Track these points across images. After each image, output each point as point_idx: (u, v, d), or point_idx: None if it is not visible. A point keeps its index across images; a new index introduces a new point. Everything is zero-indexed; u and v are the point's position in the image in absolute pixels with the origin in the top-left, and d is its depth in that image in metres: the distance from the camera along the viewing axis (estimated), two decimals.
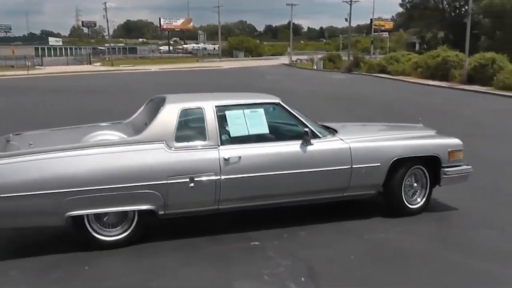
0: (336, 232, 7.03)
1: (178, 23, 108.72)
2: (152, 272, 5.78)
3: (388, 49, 74.29)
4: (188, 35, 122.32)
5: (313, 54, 72.68)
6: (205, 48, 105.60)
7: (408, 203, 7.54)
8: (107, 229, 6.27)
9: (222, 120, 6.60)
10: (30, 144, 6.53)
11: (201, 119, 6.52)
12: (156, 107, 6.94)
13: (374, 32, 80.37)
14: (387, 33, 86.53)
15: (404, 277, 5.80)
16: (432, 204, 8.15)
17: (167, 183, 6.15)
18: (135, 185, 6.04)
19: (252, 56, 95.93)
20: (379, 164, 7.11)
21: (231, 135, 6.60)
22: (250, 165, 6.50)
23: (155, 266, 5.91)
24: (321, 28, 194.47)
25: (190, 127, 6.62)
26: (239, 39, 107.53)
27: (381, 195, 7.65)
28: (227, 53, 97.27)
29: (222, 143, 6.48)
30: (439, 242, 6.84)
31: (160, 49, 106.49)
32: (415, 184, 7.62)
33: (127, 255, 6.20)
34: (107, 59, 74.69)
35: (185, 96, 7.90)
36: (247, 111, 6.77)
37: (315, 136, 6.91)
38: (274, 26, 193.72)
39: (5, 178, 5.71)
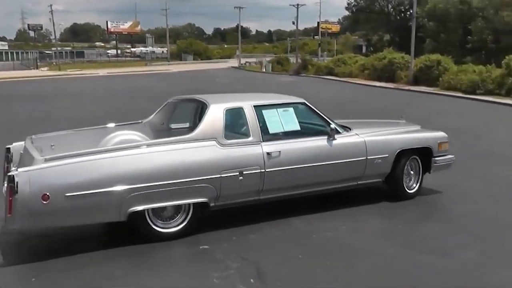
0: (285, 232, 7.08)
1: (125, 26, 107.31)
2: (98, 280, 5.68)
3: (336, 51, 75.25)
4: (136, 38, 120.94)
5: (262, 57, 73.02)
6: (153, 52, 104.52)
7: (407, 189, 8.55)
8: (165, 222, 6.62)
9: (260, 118, 7.21)
10: (52, 145, 6.68)
11: (243, 118, 7.14)
12: (174, 108, 8.26)
13: (321, 35, 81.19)
14: (334, 35, 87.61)
15: (351, 274, 5.88)
16: (379, 201, 8.44)
17: (220, 177, 6.65)
18: (192, 180, 6.49)
19: (201, 59, 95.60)
20: (387, 155, 8.10)
21: (270, 132, 7.26)
22: (288, 158, 7.18)
23: (101, 274, 5.81)
24: (269, 31, 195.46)
25: (234, 125, 7.17)
26: (188, 42, 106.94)
27: (383, 184, 8.55)
28: (176, 56, 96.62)
29: (263, 139, 7.10)
30: (385, 238, 6.99)
31: (108, 53, 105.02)
32: (411, 172, 8.62)
33: (68, 263, 6.07)
34: (54, 63, 73.09)
35: (222, 96, 8.88)
36: (280, 110, 7.50)
37: (337, 132, 7.73)
38: (222, 29, 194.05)
39: (70, 178, 5.91)
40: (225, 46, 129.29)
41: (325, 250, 6.52)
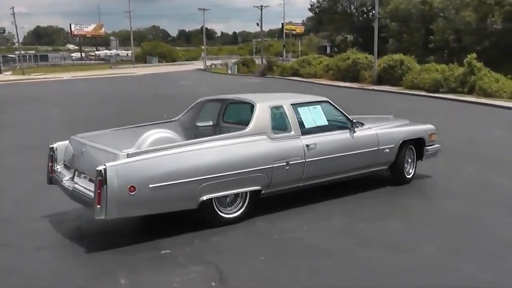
0: (247, 234, 7.12)
1: (89, 29, 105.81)
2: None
3: (300, 52, 75.60)
4: (100, 41, 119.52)
5: (227, 59, 72.88)
6: (118, 54, 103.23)
7: (406, 174, 9.67)
8: (228, 208, 7.37)
9: (297, 115, 8.13)
10: (83, 151, 7.28)
11: (283, 115, 8.04)
12: (202, 107, 9.40)
13: (285, 36, 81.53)
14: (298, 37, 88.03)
15: (312, 273, 5.92)
16: (340, 200, 8.58)
17: (271, 167, 7.52)
18: (250, 170, 7.30)
19: (166, 62, 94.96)
20: (393, 145, 9.24)
21: (305, 126, 8.15)
22: (322, 150, 8.12)
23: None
24: (234, 32, 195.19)
25: (277, 121, 7.98)
26: (152, 44, 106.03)
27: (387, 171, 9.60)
28: (141, 59, 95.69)
29: (302, 133, 8.00)
30: (347, 236, 7.07)
31: (72, 56, 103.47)
32: (409, 160, 9.75)
33: (20, 275, 5.98)
34: (18, 67, 71.73)
35: (261, 95, 9.91)
36: (310, 107, 8.45)
37: (356, 126, 8.80)
38: (187, 31, 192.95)
39: (152, 171, 6.55)
40: (193, 48, 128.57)
41: (287, 250, 6.56)
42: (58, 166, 7.78)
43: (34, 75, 57.69)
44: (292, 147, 7.82)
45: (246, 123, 7.92)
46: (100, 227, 7.32)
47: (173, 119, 9.32)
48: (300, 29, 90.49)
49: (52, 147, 7.93)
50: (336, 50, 67.29)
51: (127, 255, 6.42)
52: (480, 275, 5.87)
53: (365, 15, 69.70)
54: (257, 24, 74.72)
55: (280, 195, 8.10)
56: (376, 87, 34.03)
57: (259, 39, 76.89)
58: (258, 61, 64.28)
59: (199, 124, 9.39)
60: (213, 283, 5.60)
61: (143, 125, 8.90)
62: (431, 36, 43.29)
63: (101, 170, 6.17)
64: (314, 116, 8.39)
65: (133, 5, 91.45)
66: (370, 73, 37.60)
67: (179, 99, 28.00)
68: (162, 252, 6.45)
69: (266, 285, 5.65)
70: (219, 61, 76.68)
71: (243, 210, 7.49)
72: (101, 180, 6.16)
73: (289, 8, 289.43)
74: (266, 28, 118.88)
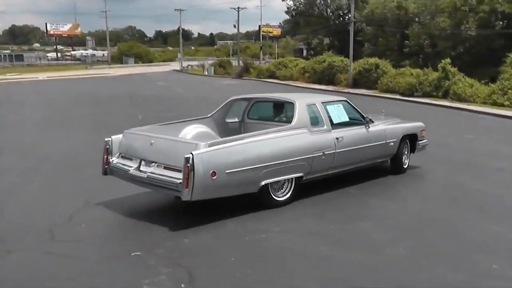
0: (218, 236, 7.09)
1: (65, 28, 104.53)
2: None
3: (277, 55, 75.68)
4: (76, 41, 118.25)
5: (204, 60, 72.72)
6: (94, 55, 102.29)
7: (403, 165, 11.00)
8: (278, 193, 8.35)
9: (326, 112, 9.21)
10: (152, 142, 7.96)
11: (317, 111, 9.08)
12: (231, 106, 10.28)
13: (262, 39, 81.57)
14: (275, 39, 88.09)
15: (283, 275, 5.92)
16: (311, 201, 8.65)
17: (312, 156, 8.60)
18: (298, 159, 8.37)
19: (143, 62, 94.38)
20: (396, 139, 10.57)
21: (333, 122, 9.23)
22: (348, 142, 9.26)
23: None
24: (211, 34, 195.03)
25: (313, 117, 8.98)
26: (129, 45, 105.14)
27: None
28: (117, 59, 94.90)
29: (331, 128, 9.08)
30: (318, 238, 7.09)
31: (48, 56, 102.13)
32: (405, 152, 11.07)
33: None
34: None
35: (295, 95, 11.36)
36: (335, 105, 9.57)
37: (370, 122, 10.00)
38: (164, 31, 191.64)
39: (228, 158, 7.47)
40: (170, 48, 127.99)
41: (258, 252, 6.55)
42: (114, 158, 8.55)
43: (9, 75, 56.82)
44: (326, 140, 8.93)
45: (269, 119, 9.88)
46: (71, 229, 7.26)
47: (208, 116, 10.15)
48: (277, 32, 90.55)
49: (107, 141, 8.65)
50: (312, 53, 67.37)
51: (99, 255, 6.37)
52: (450, 276, 5.92)
53: (341, 19, 69.90)
54: (234, 26, 75.06)
55: (249, 195, 8.10)
56: (351, 90, 34.19)
57: (236, 41, 76.94)
58: (234, 62, 64.29)
59: (228, 120, 10.30)
60: (182, 285, 5.56)
61: (183, 121, 9.91)
62: (406, 41, 43.55)
63: (188, 158, 6.98)
64: (338, 113, 9.51)
65: (109, 5, 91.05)
66: (346, 76, 37.84)
67: (155, 100, 27.90)
68: (133, 254, 6.38)
69: (236, 287, 5.62)
70: (195, 62, 76.49)
71: (290, 194, 8.47)
72: (189, 166, 6.97)
73: (266, 11, 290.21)
74: (243, 30, 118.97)
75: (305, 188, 8.96)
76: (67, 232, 7.22)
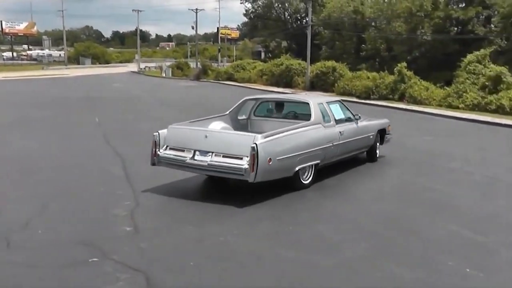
0: (176, 240, 7.00)
1: (21, 27, 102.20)
2: None
3: (235, 57, 75.72)
4: (32, 40, 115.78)
5: (162, 62, 72.19)
6: (50, 55, 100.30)
7: (376, 155, 12.74)
8: (304, 177, 9.73)
9: (330, 110, 10.88)
10: (206, 136, 9.30)
11: (324, 110, 10.71)
12: (243, 105, 11.84)
13: (221, 41, 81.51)
14: (234, 42, 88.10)
15: (242, 278, 5.90)
16: (269, 204, 8.65)
17: (326, 146, 10.19)
18: (318, 148, 9.93)
19: (100, 63, 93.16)
20: (374, 133, 12.40)
21: (336, 118, 10.89)
22: (346, 135, 10.97)
23: None
24: (169, 35, 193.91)
25: (324, 114, 10.62)
26: (86, 45, 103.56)
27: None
28: (74, 60, 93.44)
29: (335, 123, 10.77)
30: (277, 240, 7.08)
31: (3, 56, 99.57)
32: (378, 144, 12.81)
33: None
34: None
35: (305, 96, 15.89)
36: (334, 105, 11.35)
37: (358, 118, 11.71)
38: (121, 32, 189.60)
39: (278, 147, 8.90)
40: (127, 49, 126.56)
41: (217, 255, 6.49)
42: (162, 150, 9.56)
43: None
44: (334, 133, 10.56)
45: (277, 117, 11.52)
46: (28, 236, 7.07)
47: (225, 114, 11.46)
48: (235, 34, 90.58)
49: (155, 135, 9.68)
50: (270, 55, 67.70)
51: (55, 262, 6.21)
52: (408, 275, 6.00)
53: (298, 22, 70.40)
54: (192, 27, 74.47)
55: (208, 199, 8.03)
56: (308, 93, 34.38)
57: (194, 43, 76.62)
58: (193, 64, 64.01)
59: (239, 117, 11.70)
60: None
61: (207, 118, 11.15)
62: (363, 45, 44.16)
63: (254, 147, 8.37)
64: (338, 111, 11.22)
65: (66, 4, 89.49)
66: (303, 79, 38.12)
67: (112, 102, 27.53)
68: (90, 260, 6.23)
69: None
70: (153, 63, 75.88)
71: (311, 179, 9.88)
72: (254, 154, 8.35)
73: (224, 12, 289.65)
74: (201, 32, 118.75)
75: (261, 191, 8.98)
76: (24, 239, 6.99)
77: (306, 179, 9.76)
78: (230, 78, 48.40)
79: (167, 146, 9.59)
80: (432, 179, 10.94)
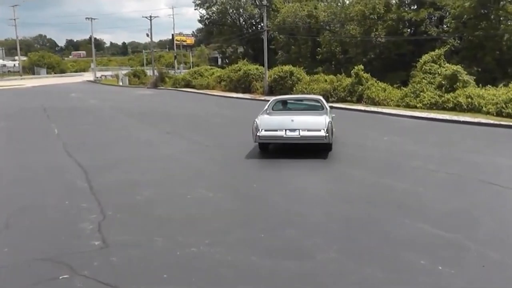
0: (148, 252, 6.85)
1: None
2: None
3: (192, 64, 75.35)
4: None
5: (118, 70, 71.38)
6: (4, 65, 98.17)
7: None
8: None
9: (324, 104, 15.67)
10: (292, 120, 13.76)
11: (323, 103, 15.56)
12: (276, 103, 16.09)
13: (176, 48, 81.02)
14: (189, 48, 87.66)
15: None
16: (237, 211, 8.56)
17: (329, 128, 13.43)
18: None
19: (55, 73, 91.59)
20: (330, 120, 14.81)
21: (326, 109, 15.21)
22: (331, 122, 13.91)
23: None
24: (124, 43, 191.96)
25: (326, 106, 15.46)
26: (40, 54, 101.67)
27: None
28: (28, 69, 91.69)
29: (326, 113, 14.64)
30: (248, 247, 6.96)
31: None
32: None
33: None
34: None
35: (310, 95, 25.34)
36: (320, 99, 16.20)
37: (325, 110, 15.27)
38: (75, 40, 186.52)
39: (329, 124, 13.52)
40: (82, 58, 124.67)
41: (190, 266, 6.37)
42: (261, 132, 13.63)
43: None
44: (330, 120, 13.77)
45: (293, 109, 16.04)
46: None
47: (265, 110, 15.29)
48: (190, 40, 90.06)
49: (255, 121, 13.85)
50: (227, 61, 67.56)
51: (23, 280, 6.03)
52: (381, 276, 6.01)
53: (254, 27, 70.50)
54: (147, 35, 73.81)
55: (176, 209, 7.81)
56: (267, 97, 34.29)
57: (150, 50, 75.97)
58: (149, 72, 63.48)
59: (268, 111, 15.27)
60: None
61: (266, 113, 14.97)
62: (318, 48, 44.42)
63: (328, 123, 13.35)
64: (324, 104, 15.65)
65: (18, 13, 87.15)
66: (262, 84, 38.11)
67: (69, 112, 27.05)
68: (60, 278, 6.04)
69: None
70: (109, 72, 75.02)
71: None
72: (326, 128, 13.22)
73: (178, 19, 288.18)
74: (156, 39, 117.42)
75: (226, 200, 8.88)
76: None
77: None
78: (188, 85, 48.13)
79: (262, 129, 13.62)
80: (396, 178, 11.03)
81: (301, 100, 17.52)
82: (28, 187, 10.71)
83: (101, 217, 8.28)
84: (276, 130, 13.58)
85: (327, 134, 13.12)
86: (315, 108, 15.50)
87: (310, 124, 13.55)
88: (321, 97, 16.52)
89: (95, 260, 6.52)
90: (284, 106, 16.15)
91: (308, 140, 13.51)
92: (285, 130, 13.44)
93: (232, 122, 22.01)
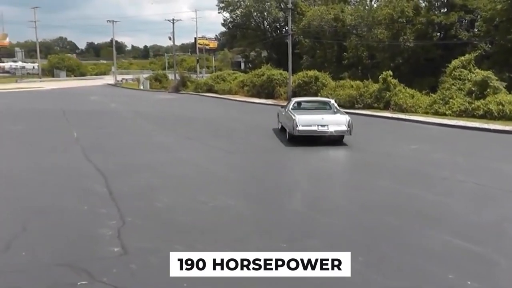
0: (167, 260, 6.72)
1: None
2: None
3: (214, 68, 75.65)
4: (4, 52, 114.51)
5: (139, 73, 71.93)
6: (23, 67, 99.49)
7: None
8: None
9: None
10: (323, 118, 17.67)
11: (332, 104, 19.93)
12: (314, 102, 21.85)
13: (199, 51, 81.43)
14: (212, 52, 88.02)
15: None
16: (256, 219, 8.51)
17: (349, 123, 17.60)
18: None
19: (75, 76, 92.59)
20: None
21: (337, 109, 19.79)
22: None
23: None
24: (146, 46, 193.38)
25: (336, 107, 19.87)
26: (60, 57, 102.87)
27: None
28: (48, 72, 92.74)
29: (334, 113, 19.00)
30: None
31: None
32: None
33: None
34: None
35: (323, 97, 27.89)
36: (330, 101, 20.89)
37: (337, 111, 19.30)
38: (96, 43, 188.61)
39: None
40: (103, 62, 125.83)
41: (212, 277, 6.31)
42: (299, 127, 17.08)
43: None
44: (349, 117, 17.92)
45: (307, 108, 19.98)
46: (10, 259, 6.88)
47: (285, 106, 20.85)
48: (213, 44, 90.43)
49: (294, 119, 17.21)
50: (250, 66, 67.72)
51: (46, 280, 6.13)
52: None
53: (278, 31, 70.57)
54: (169, 38, 74.26)
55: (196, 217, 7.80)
56: None
57: (171, 53, 76.43)
58: (171, 76, 63.88)
59: (286, 110, 19.84)
60: None
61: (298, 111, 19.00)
62: (345, 53, 44.32)
63: (349, 120, 17.30)
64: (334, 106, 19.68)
65: (38, 14, 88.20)
66: (285, 89, 38.11)
67: (90, 116, 27.31)
68: (79, 283, 6.12)
69: None
70: (130, 75, 75.57)
71: None
72: (350, 124, 17.18)
73: (202, 22, 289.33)
74: (178, 42, 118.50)
75: (249, 206, 8.87)
76: (6, 262, 6.86)
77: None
78: (210, 89, 48.33)
79: (300, 125, 17.09)
80: (423, 188, 10.96)
81: (316, 101, 22.07)
82: (46, 190, 10.86)
83: (121, 223, 8.35)
84: (311, 126, 17.32)
85: (348, 129, 17.22)
86: (326, 107, 19.83)
87: (336, 121, 17.55)
88: (332, 100, 21.09)
89: (114, 267, 6.59)
90: (303, 105, 20.44)
91: (335, 133, 17.31)
92: (318, 125, 17.33)
93: (255, 128, 22.04)
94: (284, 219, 8.80)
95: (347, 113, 28.56)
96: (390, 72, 30.37)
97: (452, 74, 27.97)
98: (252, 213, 9.21)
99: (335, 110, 19.13)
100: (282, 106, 22.20)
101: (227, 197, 10.14)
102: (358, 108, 29.82)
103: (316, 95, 34.12)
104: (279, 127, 20.60)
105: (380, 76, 30.49)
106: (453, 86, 27.24)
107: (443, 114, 25.86)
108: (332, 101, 20.44)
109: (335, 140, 17.54)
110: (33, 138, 18.97)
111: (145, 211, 9.17)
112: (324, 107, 19.93)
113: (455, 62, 28.40)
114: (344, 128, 17.15)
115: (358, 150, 16.10)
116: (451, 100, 26.36)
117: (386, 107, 29.25)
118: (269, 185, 11.52)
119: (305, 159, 14.36)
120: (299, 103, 20.57)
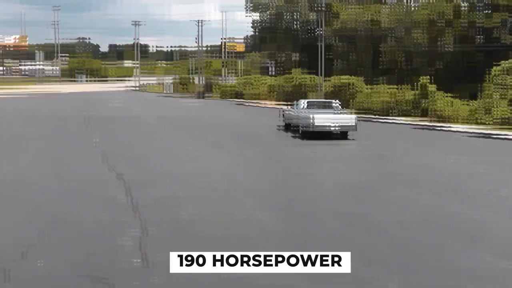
0: (191, 274, 6.79)
1: (11, 39, 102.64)
2: None
3: (242, 71, 75.78)
4: (23, 54, 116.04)
5: (163, 77, 72.34)
6: (43, 69, 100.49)
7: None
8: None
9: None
10: (332, 117, 22.77)
11: (337, 105, 24.41)
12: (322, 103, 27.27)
13: (226, 54, 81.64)
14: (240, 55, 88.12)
15: None
16: (287, 234, 8.41)
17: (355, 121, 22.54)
18: None
19: (96, 79, 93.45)
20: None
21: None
22: None
23: None
24: (171, 48, 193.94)
25: (340, 107, 24.78)
26: (80, 60, 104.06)
27: None
28: (68, 74, 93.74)
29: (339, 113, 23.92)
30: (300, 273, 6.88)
31: None
32: None
33: None
34: None
35: (325, 100, 31.06)
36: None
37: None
38: (119, 45, 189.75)
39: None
40: (126, 64, 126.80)
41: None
42: (316, 125, 20.94)
43: None
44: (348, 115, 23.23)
45: (315, 108, 23.72)
46: (27, 267, 6.95)
47: (293, 104, 25.52)
48: (241, 47, 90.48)
49: (312, 117, 20.98)
50: (280, 69, 67.77)
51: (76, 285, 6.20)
52: None
53: (309, 34, 70.44)
54: (195, 41, 74.49)
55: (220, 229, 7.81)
56: None
57: (197, 57, 76.75)
58: (196, 80, 64.12)
59: (296, 109, 24.36)
60: None
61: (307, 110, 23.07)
62: (380, 57, 44.07)
63: (355, 119, 21.93)
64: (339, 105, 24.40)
65: (59, 15, 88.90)
66: (317, 95, 38.00)
67: (111, 122, 27.56)
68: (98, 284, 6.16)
69: None
70: (154, 79, 76.01)
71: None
72: (356, 121, 21.72)
73: (229, 23, 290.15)
74: (204, 43, 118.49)
75: (278, 218, 8.83)
76: (23, 271, 6.89)
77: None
78: (238, 95, 48.39)
79: (316, 121, 20.50)
80: (463, 204, 10.82)
81: (322, 102, 27.25)
82: (66, 198, 10.96)
83: (142, 234, 8.38)
84: (325, 123, 21.13)
85: (355, 124, 21.22)
86: (332, 107, 23.60)
87: (344, 120, 21.92)
88: (336, 101, 24.83)
89: (136, 279, 6.61)
90: (313, 106, 24.10)
91: (344, 129, 21.46)
92: (330, 122, 21.24)
93: (285, 136, 22.10)
94: (316, 233, 8.73)
95: (378, 121, 29.85)
96: (428, 78, 30.10)
97: (494, 81, 27.57)
98: (282, 226, 9.16)
99: (340, 110, 23.29)
100: (287, 106, 27.42)
101: (254, 209, 10.12)
102: (393, 115, 29.59)
103: (349, 102, 34.02)
104: (284, 124, 25.43)
105: (418, 82, 30.22)
106: (495, 94, 26.87)
107: (485, 124, 25.51)
108: (337, 102, 24.54)
109: (355, 146, 20.82)
110: (52, 144, 19.19)
111: (168, 221, 9.22)
112: (330, 107, 23.85)
113: (497, 68, 28.02)
114: (352, 124, 21.28)
115: (394, 162, 15.92)
116: (493, 108, 26.00)
117: (423, 115, 28.92)
118: (300, 197, 11.48)
119: (341, 171, 14.25)
120: (309, 104, 24.45)
